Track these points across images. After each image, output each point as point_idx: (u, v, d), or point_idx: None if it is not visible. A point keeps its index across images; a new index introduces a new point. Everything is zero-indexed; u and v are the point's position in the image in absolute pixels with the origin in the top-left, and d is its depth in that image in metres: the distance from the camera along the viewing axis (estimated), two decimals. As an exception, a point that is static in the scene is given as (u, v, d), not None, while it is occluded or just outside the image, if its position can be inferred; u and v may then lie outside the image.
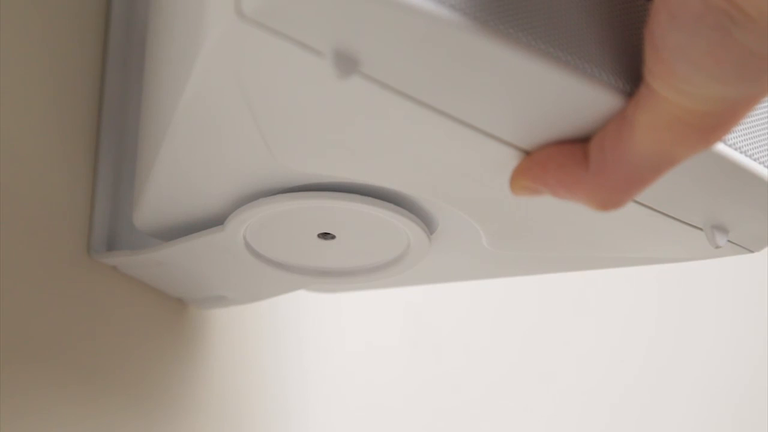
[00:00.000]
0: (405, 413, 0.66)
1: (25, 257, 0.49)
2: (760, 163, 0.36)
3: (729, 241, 0.41)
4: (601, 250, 0.45)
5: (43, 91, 0.51)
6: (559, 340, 0.78)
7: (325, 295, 0.61)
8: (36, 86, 0.51)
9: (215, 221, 0.45)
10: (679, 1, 0.28)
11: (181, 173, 0.43)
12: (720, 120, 0.31)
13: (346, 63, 0.31)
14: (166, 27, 0.42)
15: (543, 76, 0.31)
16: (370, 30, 0.30)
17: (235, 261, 0.47)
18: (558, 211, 0.40)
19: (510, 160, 0.35)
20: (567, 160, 0.34)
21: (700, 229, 0.40)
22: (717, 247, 0.40)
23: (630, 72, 0.32)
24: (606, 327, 0.83)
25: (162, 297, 0.54)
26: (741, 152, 0.36)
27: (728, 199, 0.38)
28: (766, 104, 0.37)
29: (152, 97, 0.45)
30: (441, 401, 0.68)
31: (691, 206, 0.39)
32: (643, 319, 0.86)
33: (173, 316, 0.55)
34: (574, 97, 0.32)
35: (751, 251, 0.42)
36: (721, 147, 0.35)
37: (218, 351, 0.57)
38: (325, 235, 0.45)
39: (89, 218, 0.52)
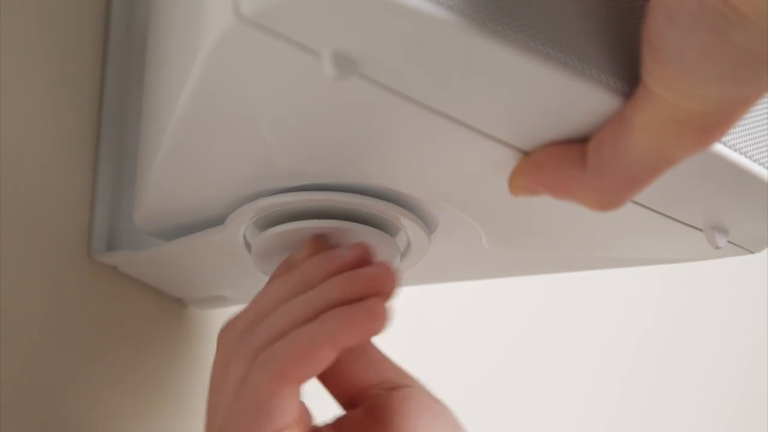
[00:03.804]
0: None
1: (26, 257, 0.49)
2: (759, 164, 0.36)
3: (729, 241, 0.41)
4: (601, 250, 0.45)
5: (43, 91, 0.51)
6: (557, 333, 0.78)
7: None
8: (36, 86, 0.51)
9: (215, 221, 0.45)
10: (675, 2, 0.28)
11: (182, 173, 0.43)
12: (717, 120, 0.31)
13: (345, 64, 0.31)
14: (167, 27, 0.42)
15: (541, 77, 0.31)
16: (368, 31, 0.30)
17: (235, 261, 0.47)
18: (558, 212, 0.40)
19: (508, 160, 0.35)
20: (565, 161, 0.34)
21: (700, 230, 0.40)
22: (717, 248, 0.40)
23: (628, 73, 0.32)
24: (605, 321, 0.83)
25: (162, 297, 0.54)
26: (741, 153, 0.36)
27: (728, 200, 0.38)
28: (765, 105, 0.37)
29: (152, 97, 0.45)
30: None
31: (691, 207, 0.39)
32: (642, 315, 0.86)
33: (173, 316, 0.55)
34: (572, 98, 0.32)
35: (752, 252, 0.42)
36: (720, 148, 0.35)
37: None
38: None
39: (89, 218, 0.52)
